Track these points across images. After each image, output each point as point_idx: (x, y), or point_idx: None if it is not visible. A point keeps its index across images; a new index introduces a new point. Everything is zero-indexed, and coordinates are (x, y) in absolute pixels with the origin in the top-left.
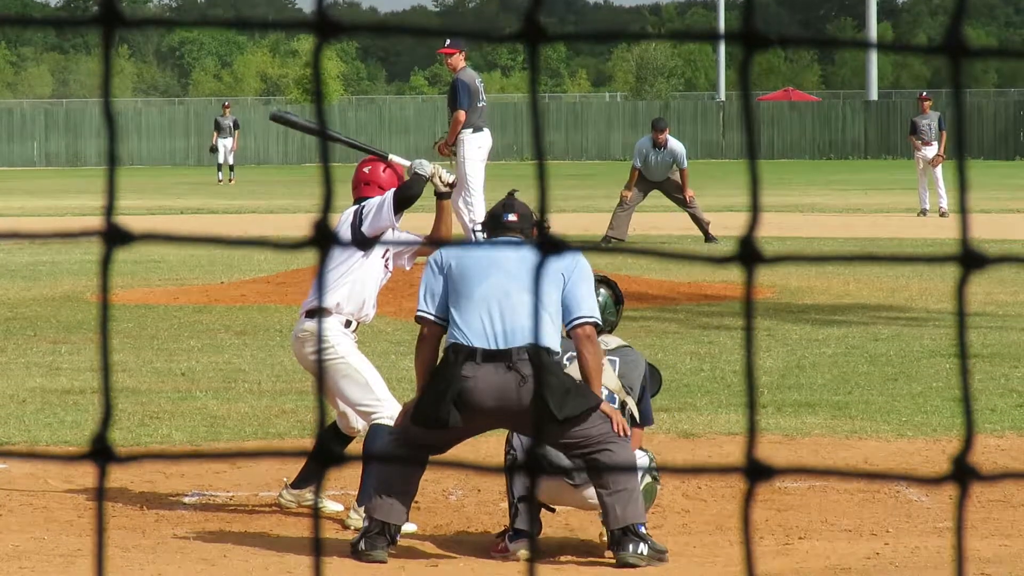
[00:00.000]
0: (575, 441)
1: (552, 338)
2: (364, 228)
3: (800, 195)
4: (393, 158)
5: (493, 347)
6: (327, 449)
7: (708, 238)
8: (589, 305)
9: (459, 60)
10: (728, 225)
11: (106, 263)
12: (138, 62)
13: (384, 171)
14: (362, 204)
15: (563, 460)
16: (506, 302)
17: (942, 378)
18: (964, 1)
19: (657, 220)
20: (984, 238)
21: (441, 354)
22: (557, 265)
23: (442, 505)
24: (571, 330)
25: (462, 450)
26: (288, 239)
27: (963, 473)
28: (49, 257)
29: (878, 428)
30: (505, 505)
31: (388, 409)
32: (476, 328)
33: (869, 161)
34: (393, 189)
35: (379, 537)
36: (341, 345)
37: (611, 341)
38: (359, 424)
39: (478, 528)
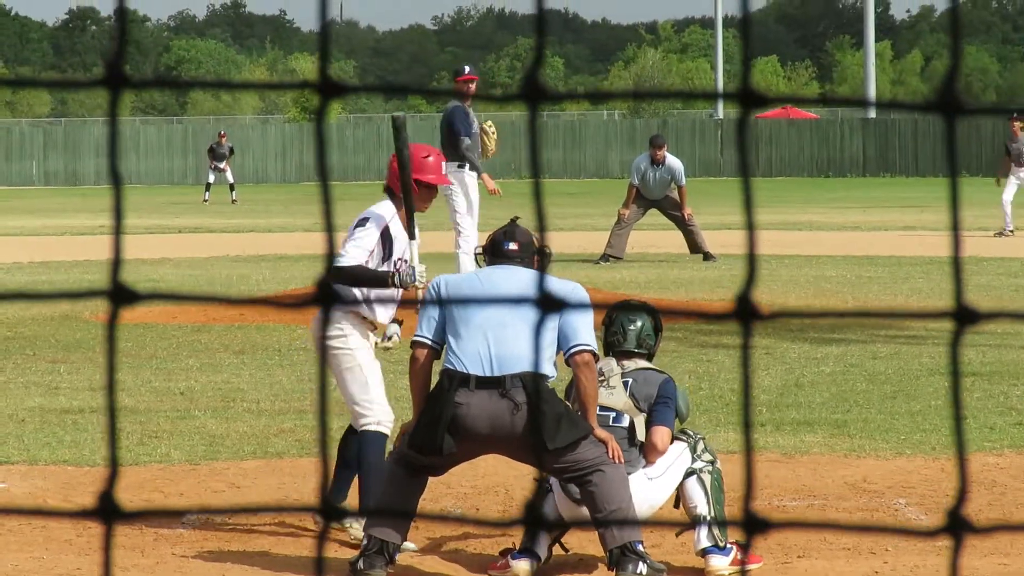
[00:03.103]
0: (567, 466)
1: (547, 366)
2: (344, 254)
3: (798, 212)
4: (413, 246)
5: (487, 374)
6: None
7: (706, 256)
8: (586, 334)
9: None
10: (726, 243)
11: (112, 324)
12: (136, 91)
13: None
14: (364, 220)
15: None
16: (501, 331)
17: (941, 396)
18: (958, 61)
19: (655, 239)
20: (983, 256)
21: (435, 379)
22: (554, 296)
23: (440, 523)
24: (569, 358)
25: (460, 467)
26: (292, 297)
27: (958, 526)
28: (47, 276)
29: (877, 446)
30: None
31: (379, 415)
32: (471, 354)
33: (867, 179)
34: (361, 260)
35: (378, 556)
36: (354, 337)
37: (632, 365)
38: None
39: (476, 547)
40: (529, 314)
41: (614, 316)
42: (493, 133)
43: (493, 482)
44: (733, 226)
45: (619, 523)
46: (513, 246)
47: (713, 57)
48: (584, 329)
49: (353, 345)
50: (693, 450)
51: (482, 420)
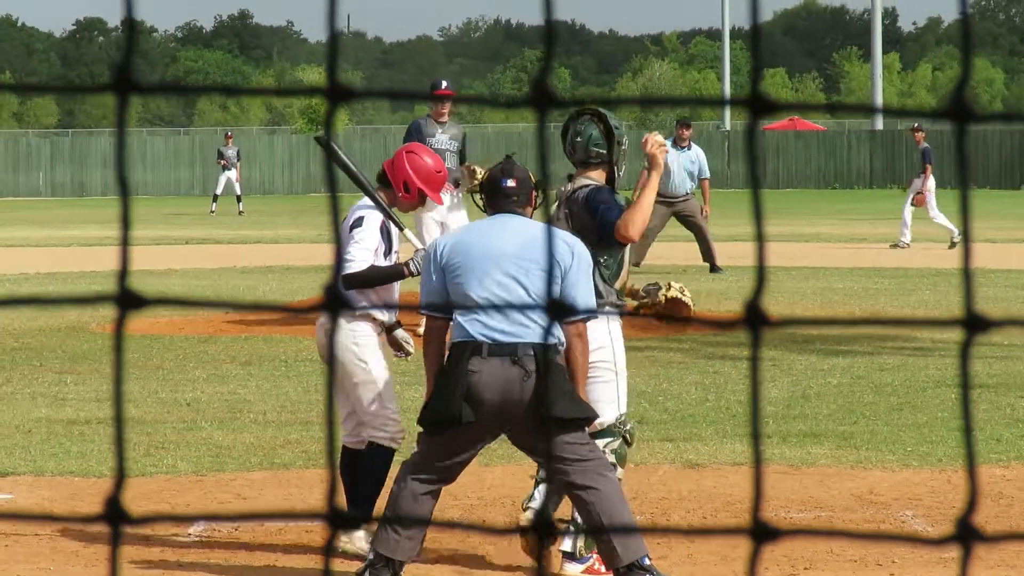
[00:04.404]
0: (564, 456)
1: (555, 332)
2: (351, 260)
3: (806, 224)
4: (408, 234)
5: (498, 339)
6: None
7: (713, 268)
8: (584, 300)
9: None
10: (732, 254)
11: (120, 328)
12: (144, 96)
13: (407, 154)
14: (360, 219)
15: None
16: (508, 298)
17: (947, 408)
18: (968, 68)
19: (663, 250)
20: (990, 268)
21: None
22: (555, 256)
23: (447, 535)
24: (563, 324)
25: (467, 478)
26: (301, 304)
27: (967, 535)
28: (55, 288)
29: (883, 458)
30: (511, 536)
31: (392, 430)
32: (479, 320)
33: (875, 191)
34: (364, 259)
35: (384, 570)
36: (367, 348)
37: (578, 183)
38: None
39: (483, 559)
40: (535, 278)
41: (567, 127)
42: (480, 174)
43: (500, 494)
44: (741, 237)
45: (622, 541)
46: (511, 183)
47: (720, 68)
48: (583, 295)
49: (367, 357)
50: (609, 435)
51: (494, 388)
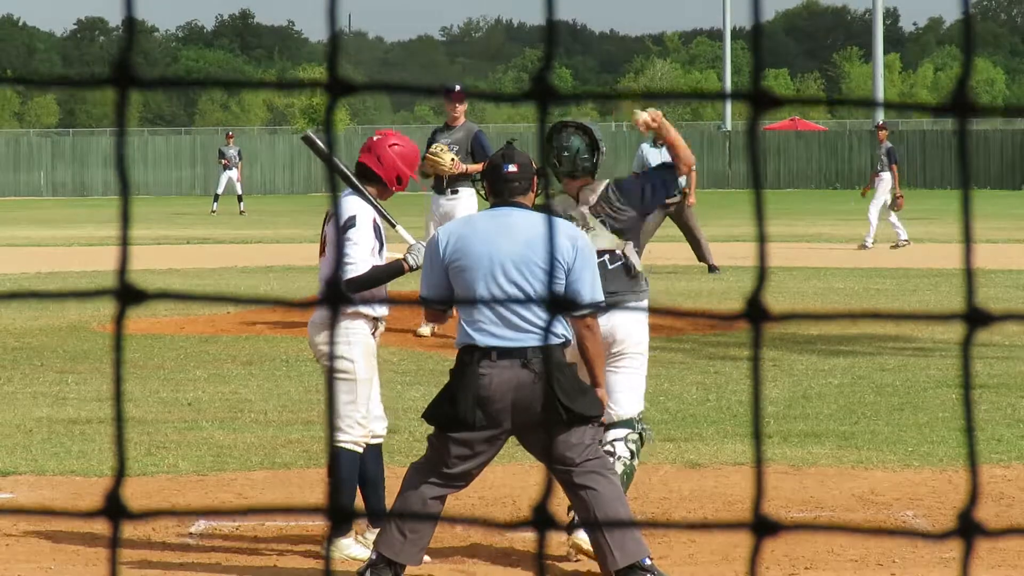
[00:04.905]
0: (564, 456)
1: (562, 330)
2: (351, 262)
3: (807, 225)
4: (400, 230)
5: (506, 345)
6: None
7: (711, 268)
8: (591, 293)
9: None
10: (733, 254)
11: (119, 323)
12: (144, 91)
13: (391, 147)
14: (352, 219)
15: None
16: (512, 297)
17: (948, 408)
18: (970, 63)
19: (664, 250)
20: (990, 268)
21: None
22: (557, 255)
23: (448, 535)
24: (572, 319)
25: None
26: (301, 299)
27: (969, 529)
28: (55, 287)
29: (884, 458)
30: (512, 536)
31: (356, 434)
32: (486, 328)
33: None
34: (363, 259)
35: (385, 570)
36: (358, 347)
37: (590, 192)
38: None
39: (484, 559)
40: (538, 281)
41: (551, 140)
42: (441, 155)
43: (501, 493)
44: (741, 237)
45: (619, 544)
46: (513, 168)
47: (721, 69)
48: (589, 288)
49: (355, 356)
50: (629, 426)
51: (505, 389)
